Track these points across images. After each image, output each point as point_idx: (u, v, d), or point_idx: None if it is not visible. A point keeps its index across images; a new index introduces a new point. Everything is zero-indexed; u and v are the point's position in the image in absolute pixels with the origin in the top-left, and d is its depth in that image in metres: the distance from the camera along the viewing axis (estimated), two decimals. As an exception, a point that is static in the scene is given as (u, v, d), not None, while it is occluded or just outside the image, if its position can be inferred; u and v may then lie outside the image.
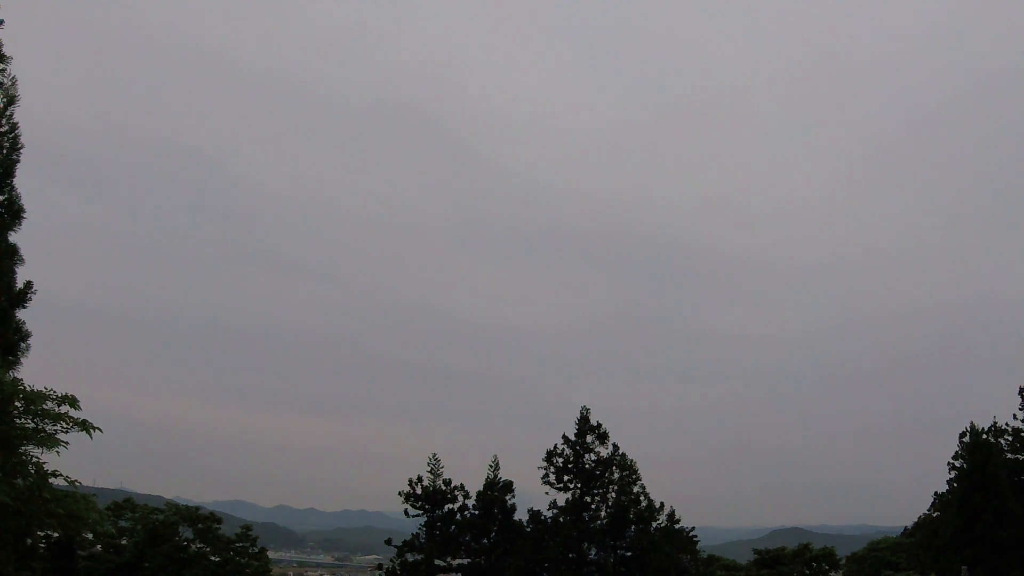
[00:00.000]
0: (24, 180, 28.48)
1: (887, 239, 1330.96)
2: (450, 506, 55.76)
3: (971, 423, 48.71)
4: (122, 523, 55.71)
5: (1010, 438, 50.46)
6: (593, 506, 55.06)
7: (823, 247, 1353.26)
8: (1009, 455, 49.83)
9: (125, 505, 57.57)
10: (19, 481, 19.03)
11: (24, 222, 28.21)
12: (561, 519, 54.12)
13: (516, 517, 56.14)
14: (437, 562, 55.09)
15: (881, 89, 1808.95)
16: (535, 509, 55.96)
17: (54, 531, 33.91)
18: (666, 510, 55.91)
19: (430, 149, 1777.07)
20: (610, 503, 55.20)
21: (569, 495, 55.02)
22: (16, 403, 19.10)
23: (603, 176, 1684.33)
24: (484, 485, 56.34)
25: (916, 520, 61.03)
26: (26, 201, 28.17)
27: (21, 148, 28.35)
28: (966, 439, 48.51)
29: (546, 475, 55.41)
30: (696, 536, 58.46)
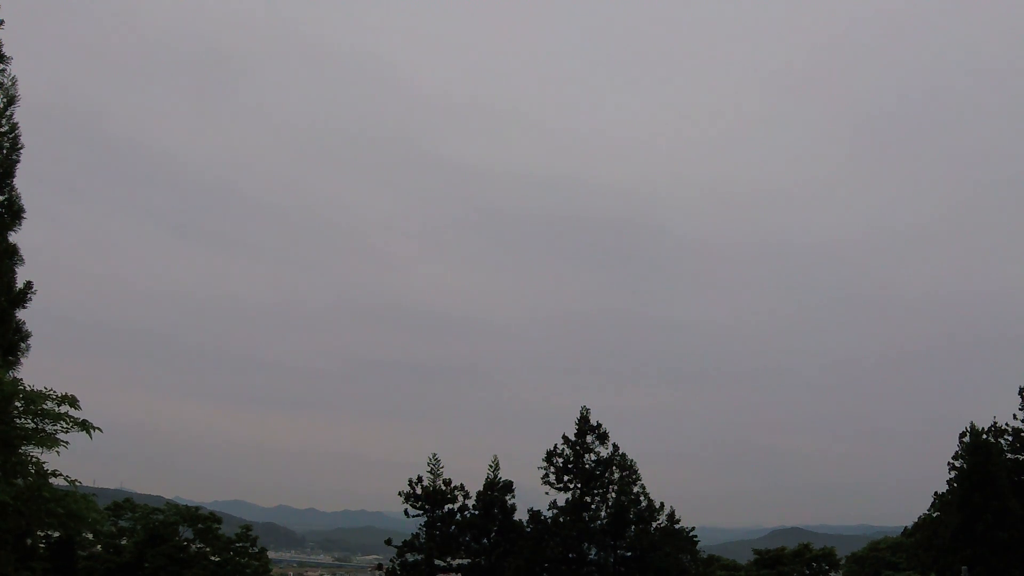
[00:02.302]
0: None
1: (886, 224, 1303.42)
2: (450, 506, 55.77)
3: (971, 423, 48.80)
4: (122, 523, 55.77)
5: (1010, 438, 50.44)
6: (593, 506, 55.03)
7: (818, 231, 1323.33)
8: (1009, 455, 49.80)
9: (125, 505, 57.61)
10: (19, 481, 19.04)
11: (24, 222, 28.28)
12: (561, 519, 54.09)
13: (516, 517, 56.19)
14: (437, 562, 55.10)
15: (870, 64, 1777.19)
16: (535, 509, 56.02)
17: (54, 531, 33.96)
18: (666, 510, 55.91)
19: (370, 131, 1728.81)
20: (610, 503, 55.16)
21: (569, 495, 55.01)
22: (16, 403, 19.10)
23: (572, 160, 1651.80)
24: (484, 485, 56.35)
25: (916, 520, 60.93)
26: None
27: (21, 148, 28.39)
28: (966, 439, 48.53)
29: (546, 475, 55.40)
30: (696, 536, 58.43)
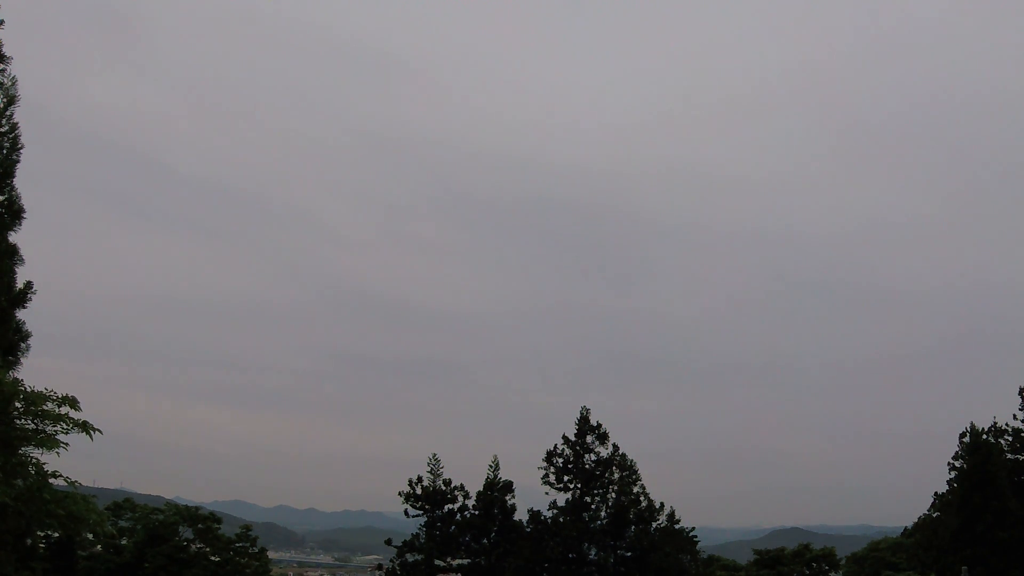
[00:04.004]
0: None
1: (882, 218, 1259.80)
2: (450, 506, 55.79)
3: (971, 423, 48.89)
4: (122, 523, 55.86)
5: (1010, 438, 50.50)
6: (593, 506, 55.10)
7: (812, 224, 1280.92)
8: (1009, 455, 49.88)
9: (125, 505, 57.71)
10: (19, 482, 19.03)
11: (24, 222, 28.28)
12: (561, 519, 54.13)
13: (516, 517, 56.21)
14: (437, 562, 55.11)
15: (867, 59, 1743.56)
16: (535, 509, 56.05)
17: (54, 531, 33.99)
18: (666, 510, 56.01)
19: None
20: (610, 503, 55.23)
21: (569, 495, 55.07)
22: (16, 404, 19.09)
23: (544, 139, 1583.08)
24: (484, 485, 56.36)
25: (916, 520, 60.97)
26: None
27: (21, 148, 28.39)
28: (966, 439, 48.60)
29: (546, 475, 55.47)
30: (696, 536, 58.54)
